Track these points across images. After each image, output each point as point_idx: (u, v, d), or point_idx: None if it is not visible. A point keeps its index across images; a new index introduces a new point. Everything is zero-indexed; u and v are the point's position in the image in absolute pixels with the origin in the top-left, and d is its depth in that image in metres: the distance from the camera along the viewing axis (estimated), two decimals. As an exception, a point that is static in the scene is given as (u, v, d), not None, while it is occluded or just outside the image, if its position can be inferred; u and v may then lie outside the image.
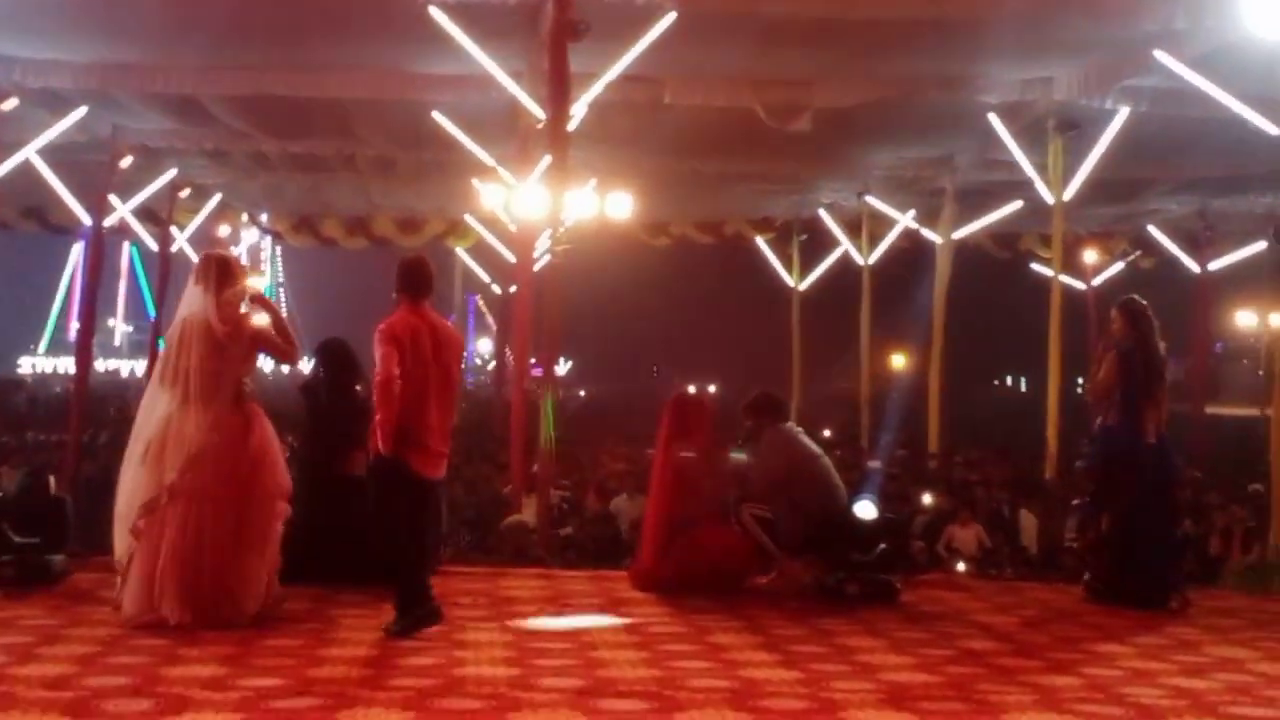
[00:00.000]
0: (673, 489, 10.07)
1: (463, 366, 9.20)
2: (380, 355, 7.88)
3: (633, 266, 40.48)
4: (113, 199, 21.33)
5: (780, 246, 28.52)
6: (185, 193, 23.58)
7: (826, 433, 24.25)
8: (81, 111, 17.51)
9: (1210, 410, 28.48)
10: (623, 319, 66.18)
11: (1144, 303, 10.09)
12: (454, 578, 9.85)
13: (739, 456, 10.66)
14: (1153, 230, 26.36)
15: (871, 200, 23.81)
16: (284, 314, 8.88)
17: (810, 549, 10.01)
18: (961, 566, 13.97)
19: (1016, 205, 21.91)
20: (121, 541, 8.12)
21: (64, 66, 15.95)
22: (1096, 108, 16.38)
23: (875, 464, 18.07)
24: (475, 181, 20.02)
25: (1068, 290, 20.22)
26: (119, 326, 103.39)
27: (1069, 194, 17.87)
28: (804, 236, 27.75)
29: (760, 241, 28.53)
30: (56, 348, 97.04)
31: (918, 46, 14.72)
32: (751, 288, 37.19)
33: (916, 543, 13.98)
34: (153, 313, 28.44)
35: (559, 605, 9.10)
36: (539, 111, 14.40)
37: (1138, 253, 27.23)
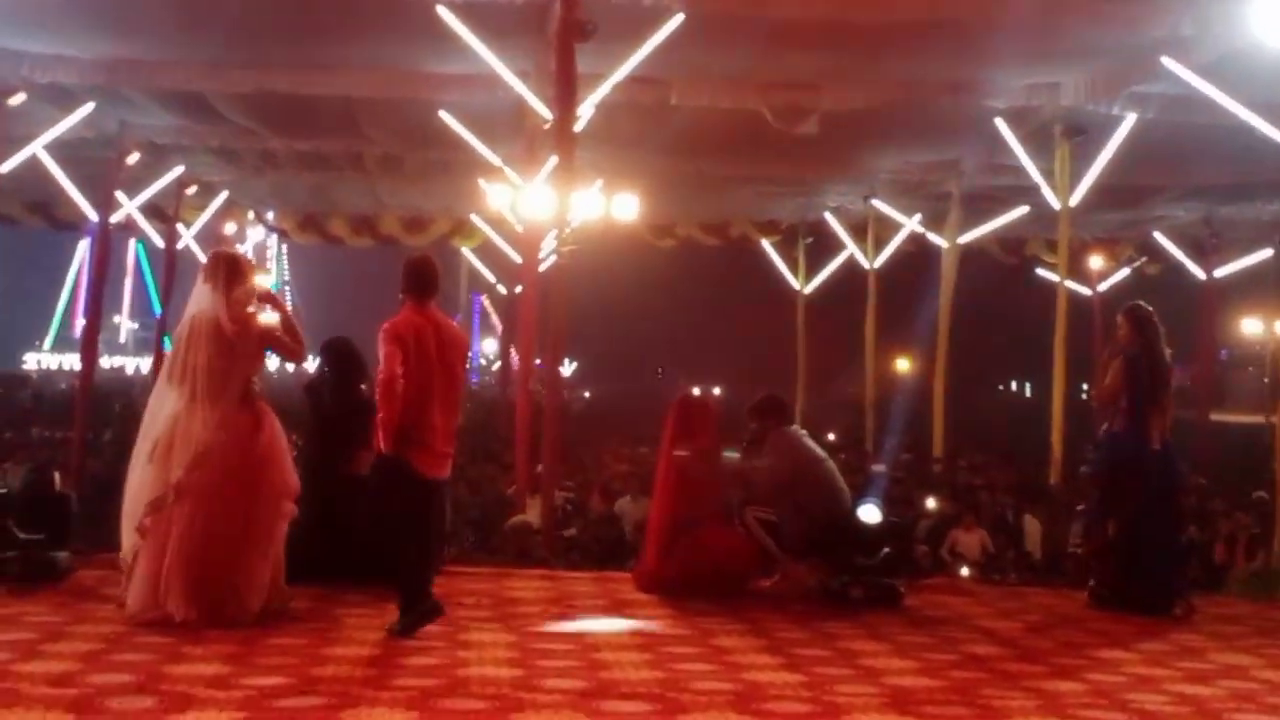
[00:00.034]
0: (677, 491, 10.06)
1: (468, 367, 9.17)
2: (383, 354, 7.89)
3: (638, 268, 40.48)
4: (119, 195, 21.34)
5: (786, 249, 28.53)
6: (192, 190, 23.60)
7: (831, 436, 24.24)
8: (89, 107, 17.54)
9: (1215, 417, 28.48)
10: (628, 320, 66.14)
11: (1150, 309, 10.08)
12: (458, 578, 9.85)
13: (731, 455, 10.65)
14: (1159, 237, 26.36)
15: (877, 204, 23.83)
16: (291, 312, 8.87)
17: (814, 552, 10.00)
18: (965, 571, 13.95)
19: (1023, 210, 21.93)
20: (128, 539, 8.12)
21: (72, 62, 15.97)
22: (1104, 113, 16.39)
23: (880, 468, 18.06)
24: (481, 181, 20.04)
25: (1073, 296, 20.23)
26: (124, 323, 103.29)
27: (1075, 199, 17.86)
28: (809, 239, 27.74)
29: (766, 244, 28.53)
30: (62, 344, 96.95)
31: (925, 51, 14.73)
32: (757, 290, 37.16)
33: (920, 547, 13.96)
34: (158, 310, 28.46)
35: (563, 607, 9.09)
36: (546, 112, 14.40)
37: (1144, 259, 27.21)
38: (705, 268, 49.62)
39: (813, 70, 15.91)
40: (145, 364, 64.05)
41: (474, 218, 26.29)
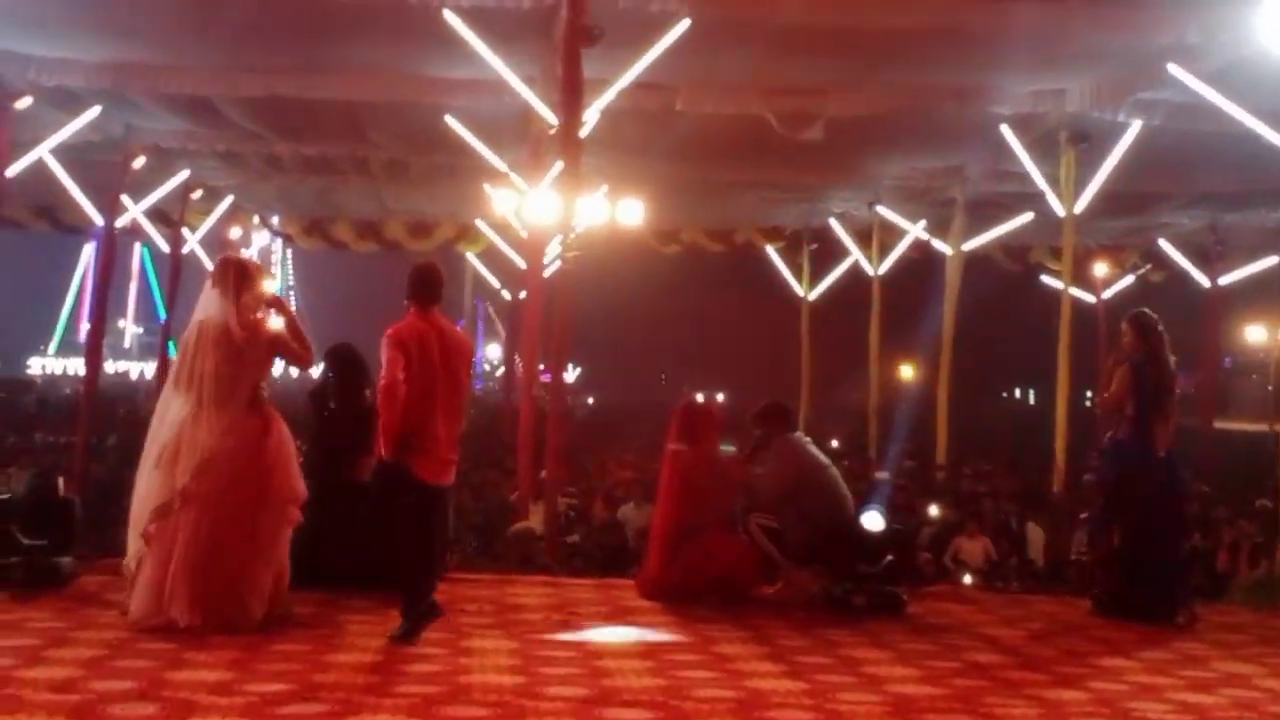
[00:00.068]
0: (680, 498, 10.07)
1: (472, 373, 9.17)
2: (385, 360, 7.91)
3: (643, 274, 40.49)
4: (125, 199, 21.35)
5: (790, 255, 28.52)
6: (197, 194, 23.60)
7: (835, 443, 24.22)
8: (95, 111, 17.55)
9: (1219, 425, 28.45)
10: (632, 326, 66.17)
11: (1155, 316, 10.07)
12: (460, 584, 9.85)
13: (728, 449, 10.65)
14: (1163, 244, 26.32)
15: (882, 210, 23.81)
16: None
17: (817, 559, 10.00)
18: (968, 579, 13.93)
19: (1027, 217, 21.93)
20: (133, 545, 8.12)
21: (78, 66, 15.99)
22: (1109, 121, 16.38)
23: (883, 474, 18.05)
24: (487, 186, 20.07)
25: (1077, 303, 20.20)
26: (129, 328, 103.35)
27: (1080, 206, 17.86)
28: (814, 245, 27.73)
29: (770, 250, 28.53)
30: (66, 349, 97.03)
31: (931, 57, 14.73)
32: (761, 296, 37.18)
33: (923, 554, 13.94)
34: (163, 314, 28.48)
35: (565, 614, 9.08)
36: (551, 117, 14.41)
37: (1148, 266, 27.18)
38: (710, 274, 49.68)
39: (818, 76, 15.92)
40: (150, 369, 63.91)
41: (479, 223, 26.31)
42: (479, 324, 76.46)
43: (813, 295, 28.35)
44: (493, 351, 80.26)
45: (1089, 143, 17.03)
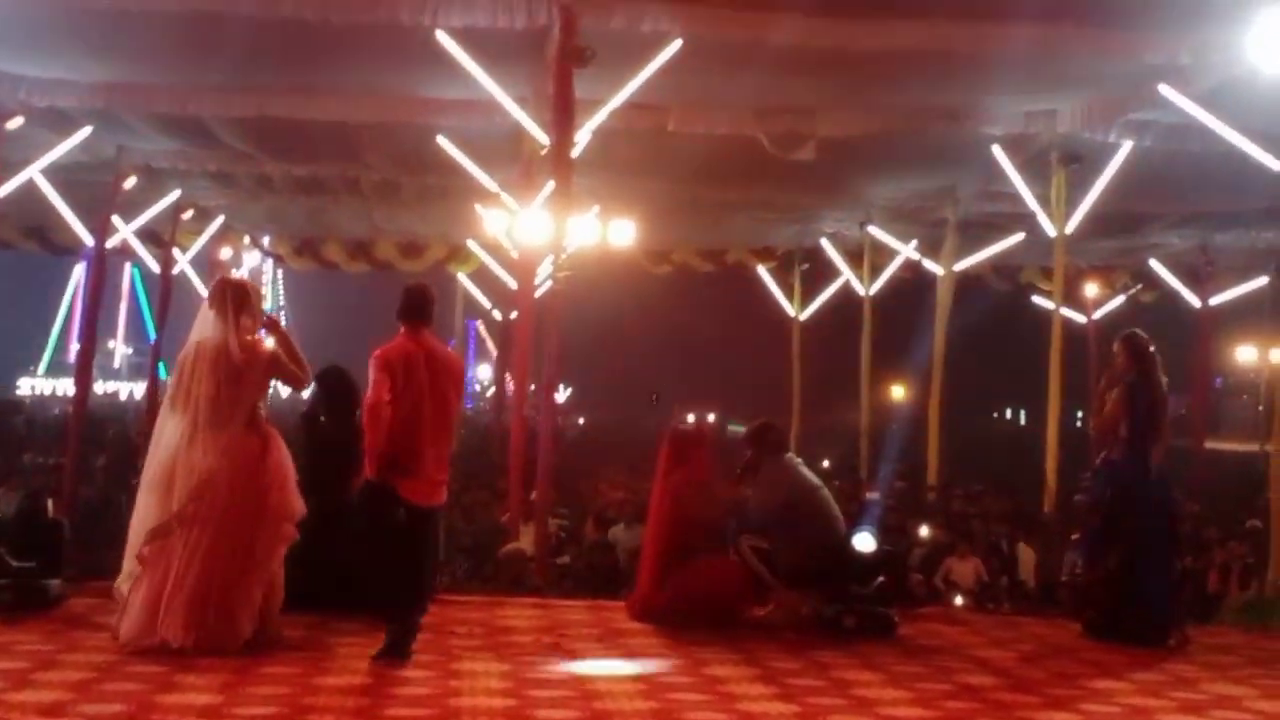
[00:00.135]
0: (671, 519, 10.05)
1: (462, 393, 9.16)
2: (372, 381, 7.95)
3: (634, 294, 40.50)
4: (115, 220, 21.33)
5: (781, 275, 28.50)
6: (188, 214, 23.57)
7: (826, 463, 24.20)
8: (86, 131, 17.54)
9: (1210, 445, 28.46)
10: (623, 346, 66.18)
11: (1146, 337, 10.08)
12: (450, 606, 9.82)
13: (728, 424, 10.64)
14: (1154, 264, 26.35)
15: (873, 230, 23.81)
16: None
17: (808, 581, 9.97)
18: (959, 600, 13.93)
19: (1018, 237, 21.94)
20: (127, 566, 8.09)
21: (69, 86, 15.98)
22: (1100, 141, 16.42)
23: (874, 495, 18.04)
24: (478, 207, 20.04)
25: (1068, 323, 20.22)
26: (119, 348, 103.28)
27: (1071, 227, 17.87)
28: (805, 266, 27.73)
29: (762, 270, 28.53)
30: (56, 369, 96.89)
31: (922, 78, 14.75)
32: (752, 317, 37.16)
33: (915, 576, 13.93)
34: (153, 335, 28.41)
35: (556, 636, 9.05)
36: (543, 137, 14.42)
37: (1139, 286, 27.23)
38: (701, 294, 49.69)
39: (810, 97, 15.94)
40: (139, 389, 63.94)
41: (470, 243, 26.26)
42: (470, 344, 76.49)
43: (804, 315, 28.33)
44: (483, 372, 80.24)
45: (1080, 163, 17.05)
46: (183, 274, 25.53)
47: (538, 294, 15.86)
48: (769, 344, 33.67)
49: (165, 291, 24.37)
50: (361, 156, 19.34)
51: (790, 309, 28.48)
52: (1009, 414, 74.95)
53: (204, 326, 8.30)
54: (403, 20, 13.16)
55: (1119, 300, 27.71)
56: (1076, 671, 8.61)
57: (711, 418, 44.70)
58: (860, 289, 25.34)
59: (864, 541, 10.02)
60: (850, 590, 9.76)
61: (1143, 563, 9.67)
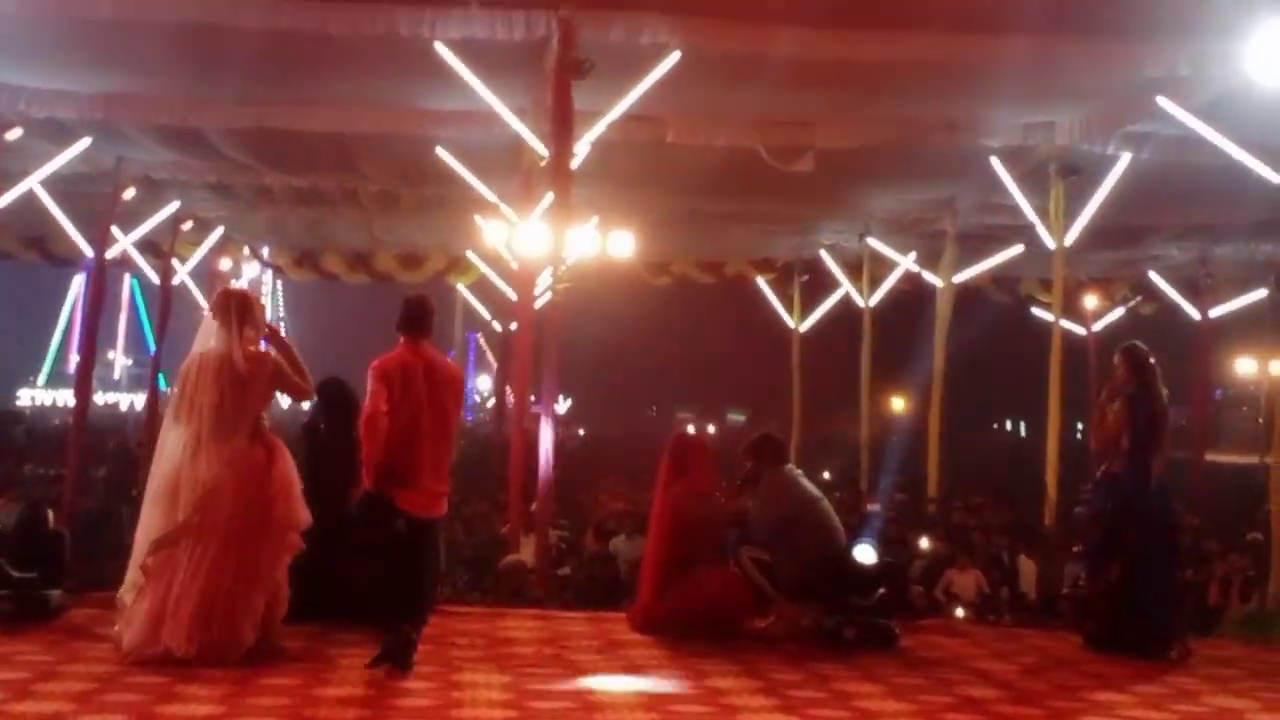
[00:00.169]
0: (672, 531, 10.03)
1: (462, 404, 9.15)
2: (369, 392, 7.96)
3: (633, 305, 40.46)
4: (115, 231, 21.33)
5: (781, 287, 28.50)
6: (188, 225, 23.59)
7: (826, 474, 24.18)
8: (85, 142, 17.55)
9: (1210, 457, 28.44)
10: (623, 358, 66.16)
11: (1146, 349, 10.07)
12: (451, 618, 9.82)
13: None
14: (1154, 276, 26.35)
15: (872, 242, 23.83)
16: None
17: (809, 593, 9.96)
18: (960, 612, 13.90)
19: (1018, 249, 21.95)
20: (130, 576, 8.08)
21: (69, 97, 15.99)
22: (1099, 153, 16.43)
23: (875, 507, 18.03)
24: (477, 218, 20.07)
25: (1068, 335, 20.22)
26: (119, 359, 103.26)
27: (1070, 239, 17.87)
28: (805, 277, 27.73)
29: (761, 282, 28.53)
30: (56, 380, 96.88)
31: (921, 89, 14.76)
32: (752, 328, 37.17)
33: (915, 588, 13.91)
34: (153, 346, 28.41)
35: (556, 648, 9.04)
36: (542, 149, 14.43)
37: (1138, 298, 27.22)
38: (701, 305, 49.70)
39: (809, 108, 15.96)
40: (139, 400, 63.93)
41: (469, 254, 26.27)
42: (470, 355, 76.48)
43: (803, 327, 28.33)
44: (483, 383, 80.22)
45: (1079, 175, 17.06)
46: (182, 285, 25.55)
47: (538, 305, 15.86)
48: (769, 356, 33.68)
49: (165, 302, 24.40)
50: (360, 168, 19.34)
51: (790, 320, 28.47)
52: (1009, 425, 74.89)
53: (206, 337, 8.30)
54: (401, 32, 13.19)
55: (1119, 312, 27.69)
56: (1078, 684, 8.60)
57: (711, 429, 44.73)
58: (860, 300, 25.33)
59: (864, 553, 10.01)
60: (851, 602, 9.75)
61: (1144, 575, 9.66)
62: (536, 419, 14.38)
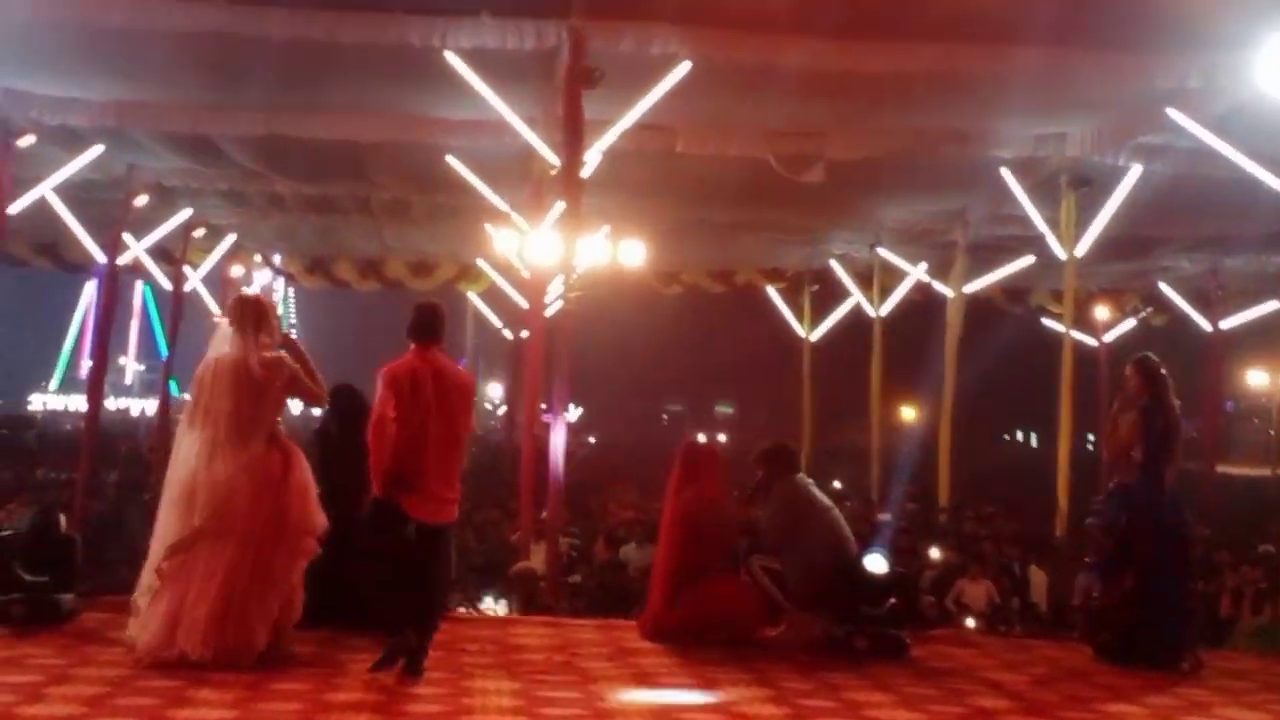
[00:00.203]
0: (683, 539, 10.02)
1: (473, 411, 9.14)
2: (377, 398, 7.97)
3: (644, 314, 40.48)
4: (127, 237, 21.41)
5: (791, 296, 28.55)
6: (199, 232, 23.67)
7: (837, 484, 24.19)
8: (98, 149, 17.64)
9: (1221, 469, 28.40)
10: (633, 366, 66.14)
11: (1158, 361, 10.05)
12: (462, 624, 9.83)
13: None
14: (1165, 288, 26.35)
15: (883, 252, 23.87)
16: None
17: (819, 602, 9.95)
18: (971, 622, 13.89)
19: (1028, 260, 21.96)
20: (145, 579, 8.10)
21: (81, 105, 16.08)
22: (1109, 164, 16.46)
23: (885, 516, 18.02)
24: (488, 226, 20.12)
25: (1079, 346, 20.21)
26: (131, 365, 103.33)
27: (1081, 250, 17.89)
28: (815, 287, 27.78)
29: (771, 291, 28.56)
30: (68, 385, 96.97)
31: (932, 101, 14.79)
32: (763, 338, 37.17)
33: (926, 597, 13.90)
34: (164, 352, 28.51)
35: (567, 655, 9.04)
36: (553, 158, 14.48)
37: (1149, 310, 27.23)
38: (711, 314, 49.68)
39: (819, 119, 16.00)
40: (151, 406, 63.98)
41: (480, 262, 26.34)
42: (479, 363, 76.49)
43: (814, 336, 28.36)
44: (493, 391, 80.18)
45: (1090, 186, 17.09)
46: (194, 291, 25.60)
47: (548, 313, 15.89)
48: (779, 365, 33.69)
49: (177, 308, 24.50)
50: (372, 176, 19.41)
51: (800, 330, 28.50)
52: (1020, 436, 74.78)
53: (221, 343, 8.32)
54: (413, 41, 13.25)
55: (1129, 323, 27.70)
56: (1089, 695, 8.57)
57: (722, 437, 44.70)
58: (870, 310, 25.37)
59: (875, 563, 9.99)
60: (862, 611, 9.72)
61: (1157, 586, 9.63)
62: (547, 427, 14.40)
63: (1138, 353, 10.33)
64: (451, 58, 13.43)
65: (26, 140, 16.49)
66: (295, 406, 9.30)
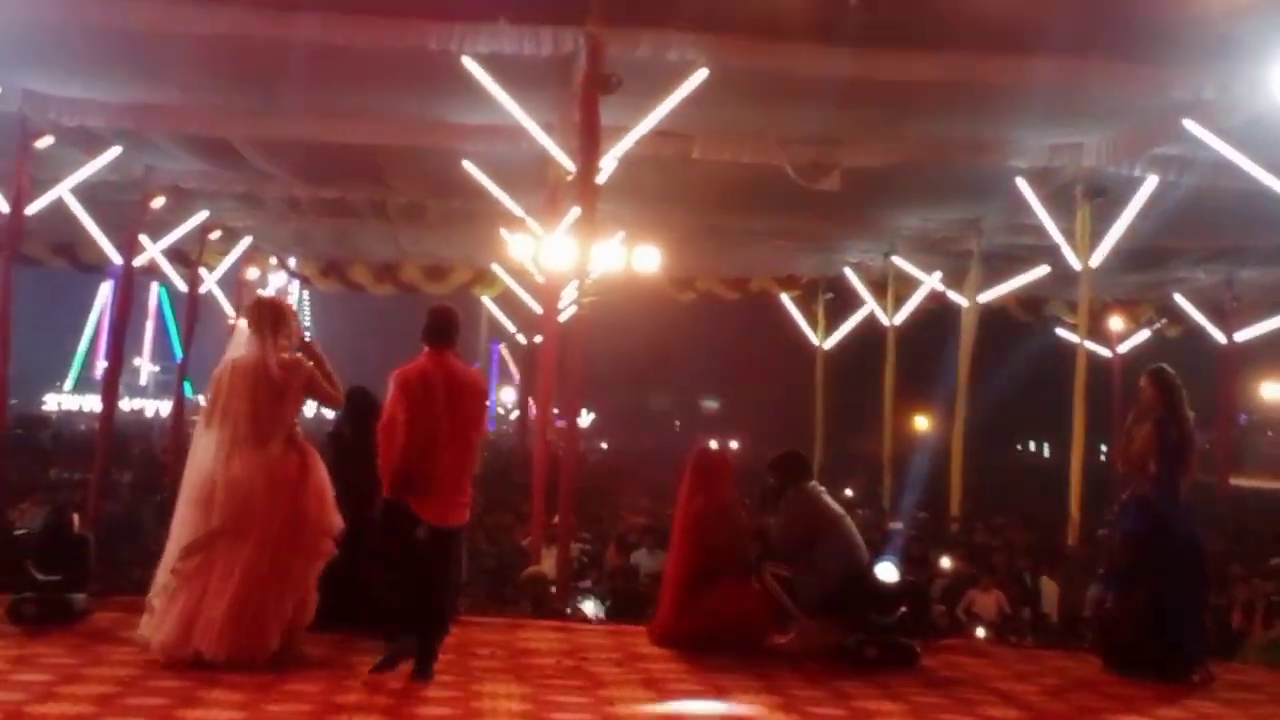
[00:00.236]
0: (694, 545, 10.02)
1: (485, 414, 9.15)
2: (388, 400, 8.00)
3: (658, 320, 40.49)
4: (143, 239, 21.48)
5: (805, 304, 28.56)
6: (215, 235, 23.73)
7: (849, 492, 24.16)
8: (115, 151, 17.70)
9: (1234, 481, 28.32)
10: (647, 372, 66.19)
11: (1173, 372, 10.03)
12: (472, 628, 9.82)
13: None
14: (1179, 299, 26.30)
15: (898, 260, 23.87)
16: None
17: (830, 610, 9.94)
18: (981, 632, 13.87)
19: (1043, 270, 21.93)
20: (160, 579, 8.13)
21: (100, 106, 16.14)
22: (1125, 175, 16.44)
23: (897, 525, 18.01)
24: (504, 231, 20.15)
25: (1093, 357, 20.18)
26: (145, 366, 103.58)
27: (1096, 260, 17.87)
28: (829, 295, 27.78)
29: (785, 299, 28.57)
30: (83, 386, 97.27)
31: (948, 109, 14.80)
32: (776, 345, 37.17)
33: (937, 607, 13.88)
34: (179, 353, 28.58)
35: (577, 660, 9.04)
36: (569, 163, 14.49)
37: (1164, 321, 27.18)
38: (725, 321, 49.70)
39: (835, 127, 16.00)
40: (165, 407, 64.11)
41: (495, 267, 26.39)
42: (493, 367, 76.53)
43: (828, 344, 28.36)
44: (507, 395, 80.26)
45: (1105, 197, 17.08)
46: (209, 293, 25.67)
47: (562, 319, 15.89)
48: (793, 372, 33.68)
49: (192, 310, 24.57)
50: (388, 180, 19.44)
51: (814, 338, 28.50)
52: (1032, 446, 74.66)
53: (240, 344, 8.35)
54: (430, 46, 13.27)
55: (1144, 334, 27.66)
56: (1100, 706, 8.57)
57: (734, 445, 44.67)
58: (884, 319, 25.36)
59: (886, 571, 9.98)
60: (872, 620, 9.71)
61: (1170, 598, 9.61)
62: (560, 432, 14.43)
63: (1153, 364, 10.30)
64: (469, 63, 13.46)
65: (45, 141, 16.55)
66: (308, 408, 9.33)
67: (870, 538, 11.35)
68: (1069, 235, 18.03)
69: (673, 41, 13.23)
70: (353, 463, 9.68)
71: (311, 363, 8.51)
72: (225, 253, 25.33)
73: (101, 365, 78.09)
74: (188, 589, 7.95)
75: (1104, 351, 26.21)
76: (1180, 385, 9.92)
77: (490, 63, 13.53)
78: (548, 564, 13.26)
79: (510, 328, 35.25)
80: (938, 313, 25.25)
